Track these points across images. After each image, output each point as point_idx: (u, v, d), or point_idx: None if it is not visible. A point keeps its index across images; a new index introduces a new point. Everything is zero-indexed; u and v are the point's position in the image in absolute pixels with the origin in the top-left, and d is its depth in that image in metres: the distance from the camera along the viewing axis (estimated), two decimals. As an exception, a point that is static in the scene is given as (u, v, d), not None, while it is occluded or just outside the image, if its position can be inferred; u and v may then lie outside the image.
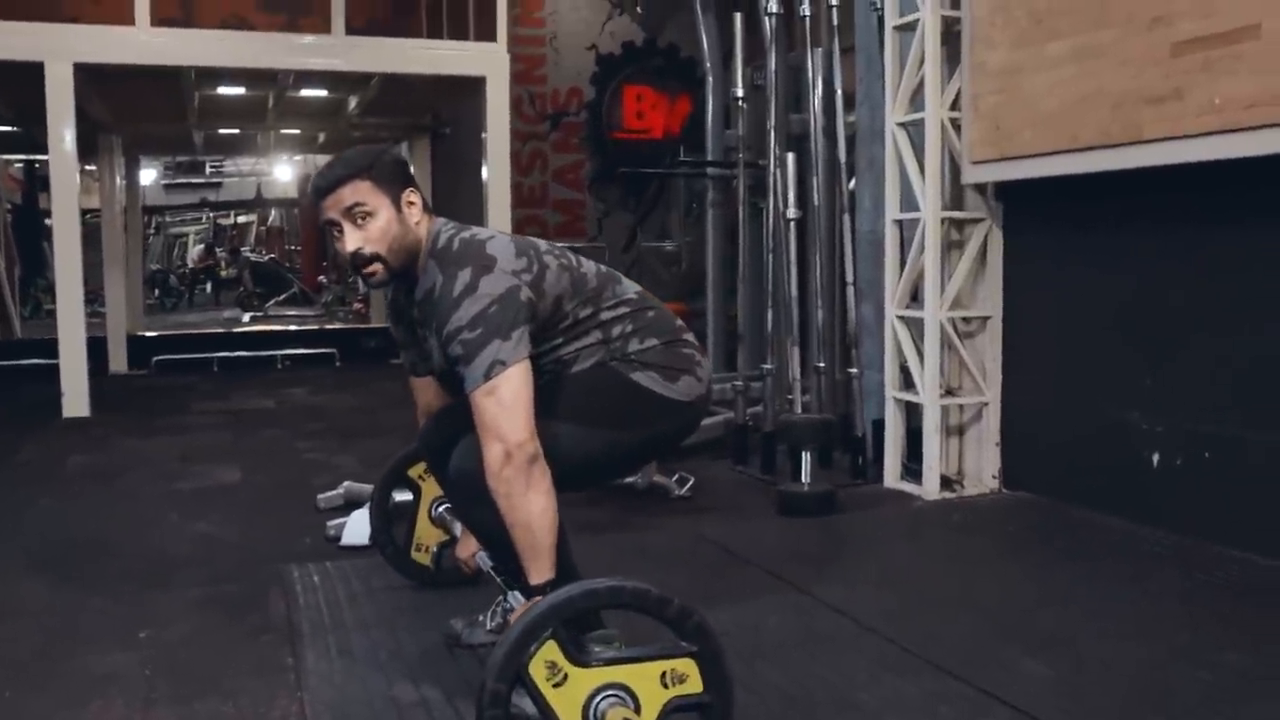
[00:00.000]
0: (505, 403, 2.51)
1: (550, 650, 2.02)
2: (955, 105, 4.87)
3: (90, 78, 8.15)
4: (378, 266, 2.72)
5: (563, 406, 2.71)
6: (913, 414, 5.11)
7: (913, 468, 5.08)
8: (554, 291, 2.73)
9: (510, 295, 2.60)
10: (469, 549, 3.23)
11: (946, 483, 4.97)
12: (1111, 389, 4.50)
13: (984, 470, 5.02)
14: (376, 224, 2.69)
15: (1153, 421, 4.30)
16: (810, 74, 5.90)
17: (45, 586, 3.81)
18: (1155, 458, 4.27)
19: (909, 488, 5.04)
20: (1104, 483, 4.51)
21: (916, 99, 4.98)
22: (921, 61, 4.90)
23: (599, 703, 2.04)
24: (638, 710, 2.05)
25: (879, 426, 5.27)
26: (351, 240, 2.69)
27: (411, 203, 2.75)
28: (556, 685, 2.02)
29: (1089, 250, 4.61)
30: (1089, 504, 4.53)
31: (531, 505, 2.49)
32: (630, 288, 2.95)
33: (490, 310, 2.57)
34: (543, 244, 2.84)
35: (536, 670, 2.01)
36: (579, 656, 2.05)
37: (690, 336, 2.98)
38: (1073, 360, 4.70)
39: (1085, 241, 4.63)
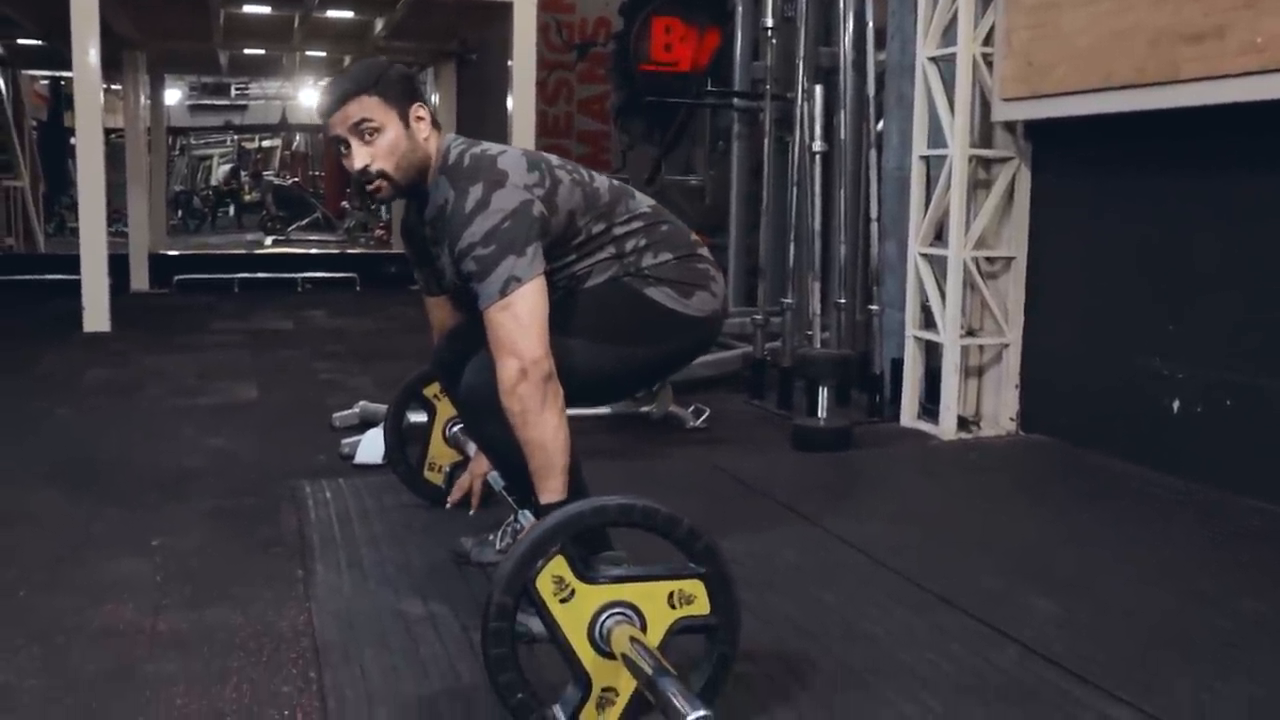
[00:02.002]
0: (521, 319, 2.49)
1: (558, 565, 2.00)
2: (988, 40, 4.77)
3: (116, -9, 8.10)
4: (382, 183, 2.69)
5: (576, 322, 2.69)
6: (932, 354, 5.07)
7: (930, 407, 5.05)
8: (567, 206, 2.70)
9: (523, 210, 2.57)
10: (481, 468, 3.23)
11: (964, 423, 4.94)
12: (1134, 334, 4.45)
13: (1002, 412, 4.99)
14: (384, 140, 2.66)
15: (1174, 368, 4.25)
16: (841, 7, 5.80)
17: (60, 494, 3.83)
18: (1176, 404, 4.23)
19: (926, 427, 5.02)
20: (1123, 428, 4.48)
21: (949, 33, 4.89)
22: (956, -5, 4.81)
23: (605, 620, 2.02)
24: (644, 629, 2.04)
25: (898, 365, 5.24)
26: (359, 157, 2.66)
27: (420, 118, 2.71)
28: (563, 601, 2.01)
29: (1118, 193, 4.54)
30: (1107, 449, 4.49)
31: (546, 423, 2.49)
32: (644, 202, 2.91)
33: (503, 226, 2.54)
34: (554, 159, 2.81)
35: (544, 585, 1.99)
36: (586, 573, 2.03)
37: (705, 251, 2.95)
38: (1096, 304, 4.64)
39: (1115, 184, 4.56)
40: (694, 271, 2.87)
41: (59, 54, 10.52)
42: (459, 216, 2.58)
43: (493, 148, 2.74)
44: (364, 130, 2.66)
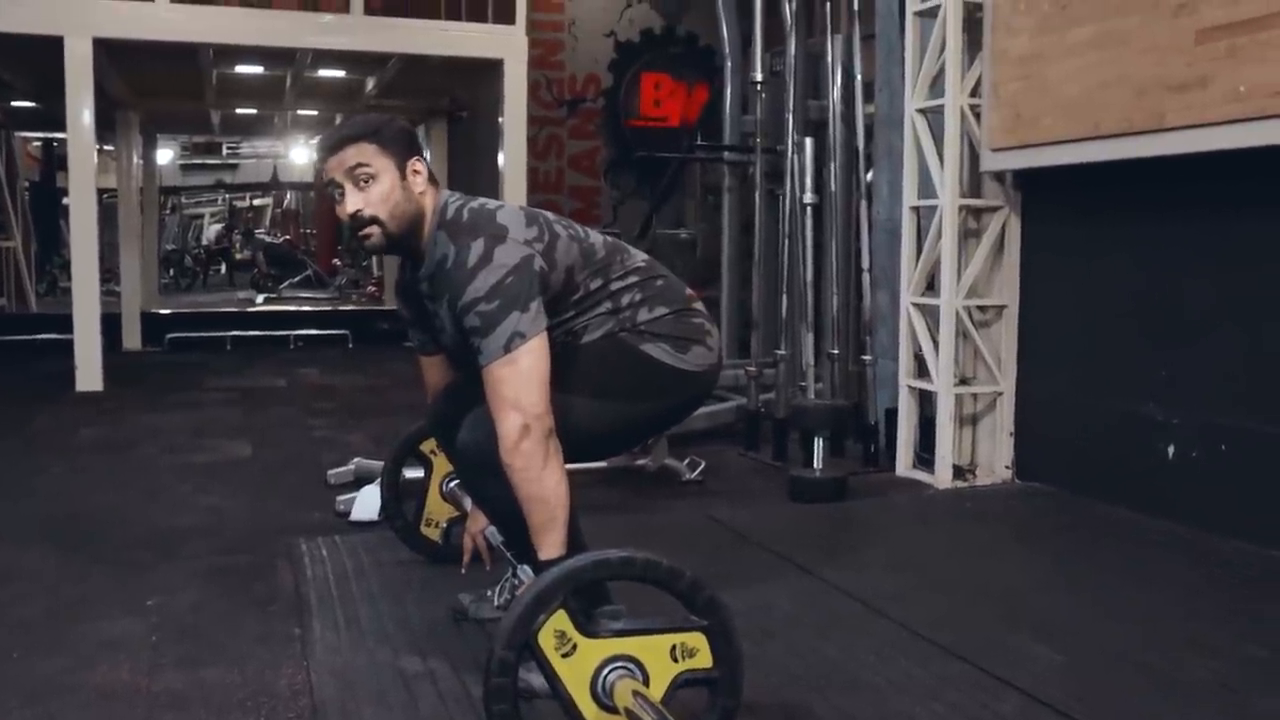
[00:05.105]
0: (525, 374, 2.49)
1: (560, 620, 2.00)
2: (975, 92, 4.83)
3: (109, 54, 8.15)
4: (374, 229, 2.69)
5: (573, 379, 2.69)
6: (926, 403, 5.08)
7: (925, 457, 5.05)
8: (565, 262, 2.71)
9: (525, 265, 2.58)
10: (478, 525, 3.22)
11: (959, 472, 4.95)
12: (1127, 380, 4.47)
13: (997, 460, 4.99)
14: (379, 188, 2.67)
15: (1169, 414, 4.26)
16: (830, 60, 5.87)
17: (54, 553, 3.81)
18: (1171, 450, 4.24)
19: (921, 476, 5.02)
20: (1118, 475, 4.48)
21: (936, 85, 4.95)
22: (942, 48, 4.86)
23: (607, 674, 2.02)
24: (646, 683, 2.03)
25: (892, 415, 5.25)
26: (352, 202, 2.67)
27: (417, 171, 2.72)
28: (565, 655, 2.00)
29: (1108, 240, 4.57)
30: (1102, 496, 4.50)
31: (548, 479, 2.48)
32: (638, 257, 2.92)
33: (507, 281, 2.54)
34: (550, 215, 2.82)
35: (545, 639, 1.99)
36: (588, 627, 2.03)
37: (700, 305, 2.96)
38: (1089, 351, 4.67)
39: (1104, 231, 4.59)
40: (690, 326, 2.87)
41: (52, 115, 10.58)
42: (461, 271, 2.58)
43: (490, 202, 2.76)
44: (359, 176, 2.66)
